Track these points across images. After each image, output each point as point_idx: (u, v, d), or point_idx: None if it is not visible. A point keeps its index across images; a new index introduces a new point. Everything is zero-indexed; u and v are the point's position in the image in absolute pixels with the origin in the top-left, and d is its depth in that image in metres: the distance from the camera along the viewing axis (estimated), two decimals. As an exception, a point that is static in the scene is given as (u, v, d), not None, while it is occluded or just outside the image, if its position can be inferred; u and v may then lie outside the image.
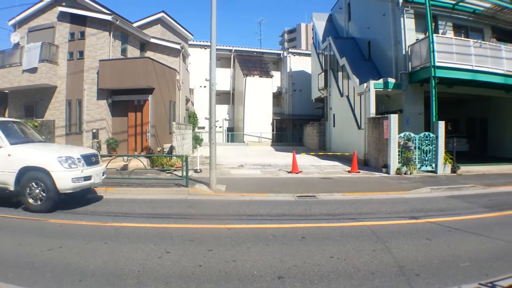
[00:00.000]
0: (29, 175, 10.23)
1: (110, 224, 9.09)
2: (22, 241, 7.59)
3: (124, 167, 17.94)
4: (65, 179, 10.21)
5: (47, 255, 6.77)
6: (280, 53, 48.23)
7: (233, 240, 7.88)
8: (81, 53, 22.83)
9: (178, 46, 27.17)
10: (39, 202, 10.20)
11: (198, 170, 18.23)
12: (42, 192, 10.19)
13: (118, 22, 22.45)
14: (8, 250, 7.02)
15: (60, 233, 8.34)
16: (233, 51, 44.50)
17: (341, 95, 28.16)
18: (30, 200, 10.23)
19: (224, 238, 8.02)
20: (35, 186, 10.19)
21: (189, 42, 35.90)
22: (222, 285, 5.51)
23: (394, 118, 18.89)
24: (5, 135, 10.65)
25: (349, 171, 19.59)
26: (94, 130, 22.02)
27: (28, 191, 10.22)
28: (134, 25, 26.53)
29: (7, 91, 25.05)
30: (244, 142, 40.79)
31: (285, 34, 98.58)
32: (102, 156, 19.54)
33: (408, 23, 22.18)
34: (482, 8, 22.78)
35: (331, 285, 5.52)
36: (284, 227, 9.08)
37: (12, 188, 10.34)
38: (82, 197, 12.07)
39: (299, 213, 10.76)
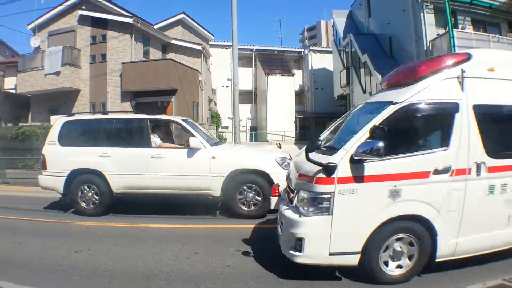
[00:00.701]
0: (240, 178, 9.19)
1: (137, 225, 8.92)
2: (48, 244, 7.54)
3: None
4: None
5: (74, 258, 6.75)
6: (301, 51, 47.78)
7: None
8: (103, 56, 23.08)
9: (199, 47, 27.19)
10: (252, 208, 9.17)
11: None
12: (256, 197, 9.13)
13: (139, 24, 22.59)
14: (34, 254, 6.99)
15: (87, 236, 8.26)
16: (254, 50, 44.18)
17: (364, 92, 27.75)
18: (242, 207, 9.23)
19: (251, 237, 7.80)
20: (248, 190, 9.14)
21: (210, 43, 35.92)
22: (251, 286, 5.41)
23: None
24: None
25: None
26: None
27: (239, 197, 9.19)
28: (155, 27, 26.66)
29: (29, 95, 25.41)
30: (267, 141, 40.57)
31: (305, 32, 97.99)
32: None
33: (428, 18, 21.75)
34: (497, 3, 22.34)
35: None
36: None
37: (217, 194, 9.35)
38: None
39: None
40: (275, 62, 43.10)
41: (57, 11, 24.85)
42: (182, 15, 29.41)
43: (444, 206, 5.07)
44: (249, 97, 44.33)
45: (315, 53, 46.17)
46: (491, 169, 5.28)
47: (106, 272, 5.98)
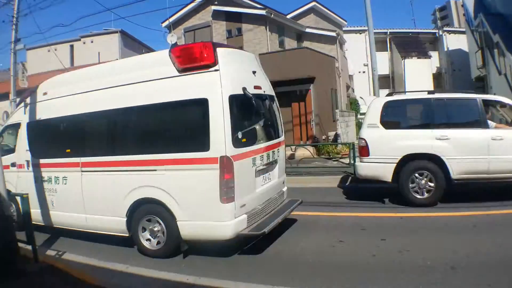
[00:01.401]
0: None
1: None
2: None
3: (291, 156, 17.61)
4: None
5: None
6: (435, 32, 45.06)
7: (405, 229, 7.53)
8: (241, 49, 22.92)
9: (333, 34, 26.46)
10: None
11: (364, 157, 17.31)
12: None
13: (272, 15, 22.43)
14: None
15: None
16: (388, 33, 42.27)
17: (499, 73, 25.50)
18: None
19: (396, 226, 7.68)
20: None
21: (343, 29, 35.07)
22: (396, 276, 5.31)
23: None
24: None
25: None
26: None
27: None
28: (287, 16, 26.42)
29: None
30: (408, 126, 39.07)
31: (437, 12, 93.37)
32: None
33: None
34: None
35: None
36: (456, 215, 8.15)
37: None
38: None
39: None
40: (410, 45, 41.01)
41: (190, 7, 25.54)
42: (313, 3, 29.02)
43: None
44: (386, 81, 42.52)
45: (449, 33, 43.20)
46: (34, 165, 8.25)
47: None
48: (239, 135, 6.40)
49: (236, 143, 6.25)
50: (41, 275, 6.09)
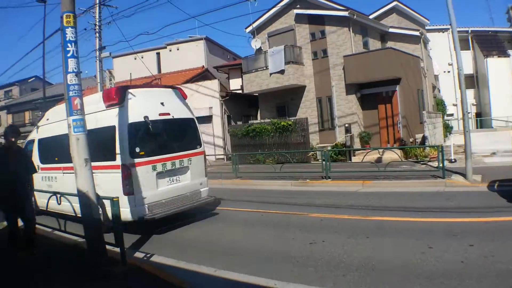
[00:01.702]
0: None
1: (371, 218, 9.19)
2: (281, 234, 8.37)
3: (379, 160, 17.72)
4: None
5: (309, 249, 7.17)
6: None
7: (495, 234, 7.22)
8: (324, 51, 23.48)
9: (417, 33, 25.99)
10: None
11: (453, 160, 16.87)
12: None
13: (355, 16, 22.49)
14: (269, 245, 7.75)
15: (321, 227, 8.79)
16: (469, 32, 41.00)
17: None
18: None
19: (487, 231, 7.45)
20: None
21: (426, 28, 34.30)
22: (482, 282, 5.19)
23: None
24: None
25: None
26: (346, 125, 22.20)
27: None
28: (370, 17, 26.22)
29: (256, 94, 26.90)
30: (492, 127, 37.66)
31: (510, 11, 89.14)
32: (356, 149, 19.66)
33: None
34: None
35: None
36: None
37: None
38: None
39: None
40: (490, 43, 39.61)
41: (272, 12, 25.87)
42: (395, 3, 28.56)
43: None
44: (470, 81, 41.29)
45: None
46: (42, 168, 11.96)
47: (341, 264, 6.24)
48: (137, 149, 9.29)
49: (134, 155, 9.20)
50: (127, 277, 6.36)
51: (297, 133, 22.35)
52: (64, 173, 10.86)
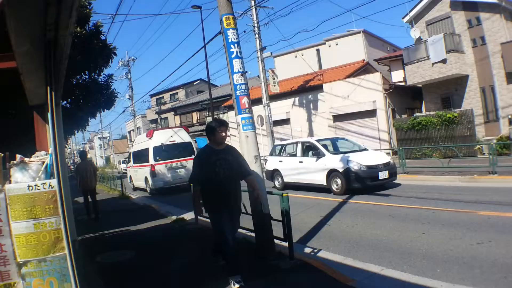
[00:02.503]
0: None
1: None
2: (451, 235, 7.90)
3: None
4: None
5: (476, 250, 6.87)
6: None
7: None
8: (482, 39, 23.17)
9: None
10: None
11: None
12: None
13: (503, 3, 21.93)
14: (437, 244, 7.43)
15: (489, 226, 8.26)
16: None
17: None
18: None
19: None
20: None
21: None
22: None
23: None
24: None
25: None
26: (510, 116, 21.55)
27: None
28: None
29: (419, 86, 27.05)
30: None
31: None
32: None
33: None
34: None
35: None
36: None
37: None
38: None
39: None
40: None
41: (426, 0, 25.84)
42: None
43: None
44: None
45: None
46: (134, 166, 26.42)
47: (504, 266, 5.98)
48: (157, 157, 21.78)
49: (156, 160, 21.76)
50: (293, 272, 6.36)
51: (463, 126, 21.93)
52: (139, 168, 24.28)
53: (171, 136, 22.53)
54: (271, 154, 19.18)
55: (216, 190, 5.92)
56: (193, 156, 18.48)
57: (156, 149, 21.82)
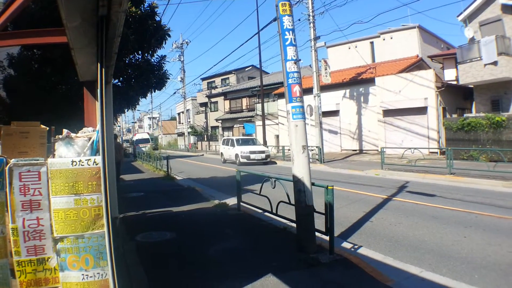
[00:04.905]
0: None
1: None
2: (491, 240, 7.77)
3: None
4: None
5: None
6: None
7: None
8: None
9: None
10: None
11: None
12: None
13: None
14: (477, 249, 7.32)
15: None
16: None
17: None
18: None
19: None
20: None
21: None
22: None
23: None
24: None
25: None
26: None
27: None
28: None
29: (471, 86, 26.82)
30: None
31: None
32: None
33: None
34: None
35: None
36: None
37: None
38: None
39: None
40: None
41: (480, 0, 25.60)
42: None
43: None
44: None
45: None
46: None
47: None
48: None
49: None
50: (332, 267, 6.29)
51: (509, 130, 21.14)
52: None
53: (147, 134, 49.00)
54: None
55: None
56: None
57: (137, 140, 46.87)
